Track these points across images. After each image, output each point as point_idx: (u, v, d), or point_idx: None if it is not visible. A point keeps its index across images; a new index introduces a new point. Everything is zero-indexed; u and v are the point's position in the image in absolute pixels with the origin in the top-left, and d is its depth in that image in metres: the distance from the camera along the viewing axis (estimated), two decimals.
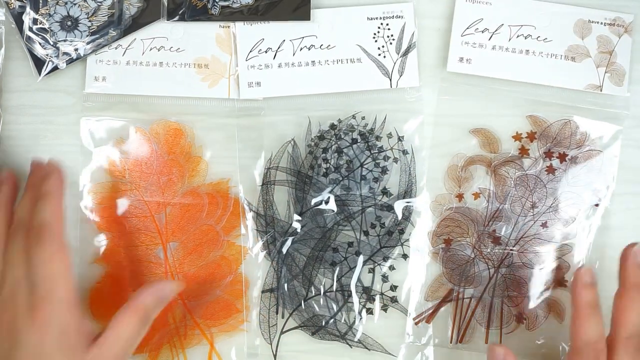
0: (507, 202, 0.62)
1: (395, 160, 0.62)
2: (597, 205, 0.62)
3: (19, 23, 0.59)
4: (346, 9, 0.63)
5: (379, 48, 0.62)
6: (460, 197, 0.62)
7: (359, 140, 0.62)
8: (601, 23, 0.61)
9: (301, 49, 0.62)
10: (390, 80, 0.62)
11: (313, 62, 0.62)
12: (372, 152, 0.62)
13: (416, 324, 0.62)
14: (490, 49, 0.62)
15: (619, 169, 0.62)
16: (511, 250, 0.61)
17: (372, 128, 0.62)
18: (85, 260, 0.60)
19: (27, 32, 0.59)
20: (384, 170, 0.62)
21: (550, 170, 0.62)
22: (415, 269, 0.62)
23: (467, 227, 0.62)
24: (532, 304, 0.61)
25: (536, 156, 0.62)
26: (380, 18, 0.62)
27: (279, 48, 0.62)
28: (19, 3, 0.59)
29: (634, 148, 0.63)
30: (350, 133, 0.62)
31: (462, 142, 0.63)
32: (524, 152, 0.62)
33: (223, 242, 0.62)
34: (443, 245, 0.62)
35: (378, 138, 0.62)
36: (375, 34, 0.62)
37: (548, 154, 0.62)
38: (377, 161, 0.62)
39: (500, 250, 0.62)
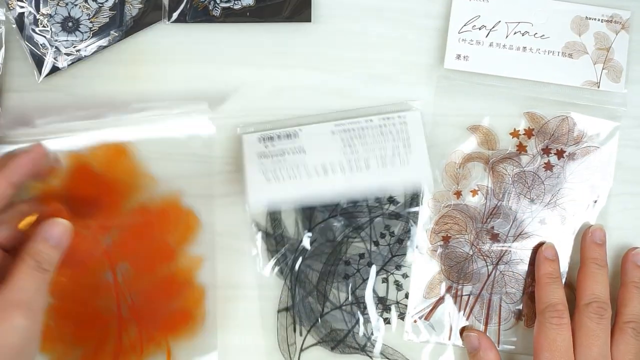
0: (505, 199, 0.62)
1: None
2: (595, 201, 0.62)
3: (20, 23, 0.60)
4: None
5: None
6: (458, 194, 0.62)
7: None
8: (598, 20, 0.61)
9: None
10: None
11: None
12: None
13: (415, 321, 0.62)
14: (487, 46, 0.62)
15: (617, 169, 0.62)
16: (509, 247, 0.62)
17: None
18: None
19: (28, 33, 0.60)
20: None
21: (548, 166, 0.62)
22: (415, 267, 0.62)
23: (465, 224, 0.62)
24: (531, 300, 0.61)
25: (534, 153, 0.62)
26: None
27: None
28: (19, 3, 0.60)
29: (632, 148, 0.63)
30: None
31: (460, 139, 0.63)
32: (521, 148, 0.62)
33: (176, 254, 0.60)
34: (441, 242, 0.62)
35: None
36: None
37: (546, 151, 0.62)
38: None
39: (499, 247, 0.62)
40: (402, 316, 0.62)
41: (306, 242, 0.62)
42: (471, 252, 0.62)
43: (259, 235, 0.62)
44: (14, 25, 0.60)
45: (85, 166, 0.59)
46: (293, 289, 0.62)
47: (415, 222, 0.62)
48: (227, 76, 0.62)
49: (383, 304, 0.62)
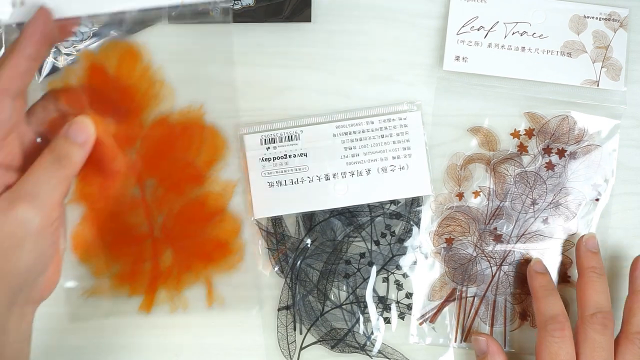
0: (507, 199, 0.62)
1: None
2: (597, 199, 0.62)
3: (20, 23, 0.59)
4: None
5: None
6: (460, 196, 0.62)
7: None
8: (596, 18, 0.62)
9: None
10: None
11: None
12: None
13: (420, 324, 0.61)
14: (486, 46, 0.62)
15: (618, 169, 0.62)
16: (513, 247, 0.61)
17: None
18: None
19: None
20: None
21: (550, 166, 0.62)
22: (419, 269, 0.62)
23: (468, 225, 0.62)
24: None
25: (535, 153, 0.62)
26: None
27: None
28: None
29: (633, 148, 0.63)
30: None
31: (461, 141, 0.63)
32: (522, 149, 0.62)
33: (205, 178, 0.58)
34: (445, 244, 0.62)
35: None
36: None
37: (547, 150, 0.62)
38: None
39: (502, 248, 0.61)
40: (402, 316, 0.62)
41: (307, 241, 0.62)
42: (475, 254, 0.61)
43: (260, 233, 0.62)
44: (14, 25, 0.60)
45: (98, 66, 0.56)
46: (293, 287, 0.62)
47: (417, 223, 0.62)
48: (227, 76, 0.62)
49: (383, 303, 0.62)
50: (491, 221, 0.62)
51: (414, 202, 0.62)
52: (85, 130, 0.50)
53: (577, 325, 0.56)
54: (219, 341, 0.62)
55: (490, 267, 0.61)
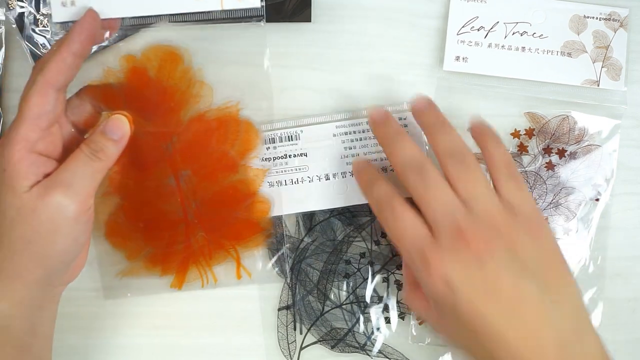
0: None
1: None
2: (597, 199, 0.61)
3: (20, 23, 0.60)
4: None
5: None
6: None
7: None
8: (596, 18, 0.62)
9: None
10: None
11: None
12: None
13: (420, 323, 0.62)
14: (486, 46, 0.62)
15: (618, 169, 0.62)
16: None
17: None
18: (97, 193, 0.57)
19: (28, 33, 0.60)
20: None
21: (550, 166, 0.62)
22: None
23: None
24: None
25: (535, 153, 0.62)
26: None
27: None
28: (19, 3, 0.60)
29: (633, 148, 0.63)
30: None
31: None
32: (522, 149, 0.62)
33: (239, 166, 0.61)
34: None
35: None
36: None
37: (547, 150, 0.62)
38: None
39: None
40: (402, 315, 0.62)
41: (307, 241, 0.62)
42: None
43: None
44: (14, 25, 0.60)
45: (140, 69, 0.59)
46: (293, 287, 0.62)
47: None
48: (227, 76, 0.62)
49: (383, 303, 0.62)
50: None
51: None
52: (122, 127, 0.53)
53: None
54: (218, 341, 0.63)
55: None
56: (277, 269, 0.62)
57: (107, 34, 0.57)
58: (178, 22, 0.58)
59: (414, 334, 0.61)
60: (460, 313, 0.47)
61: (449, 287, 0.47)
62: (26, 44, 0.60)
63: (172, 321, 0.62)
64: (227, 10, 0.58)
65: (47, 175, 0.49)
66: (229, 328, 0.63)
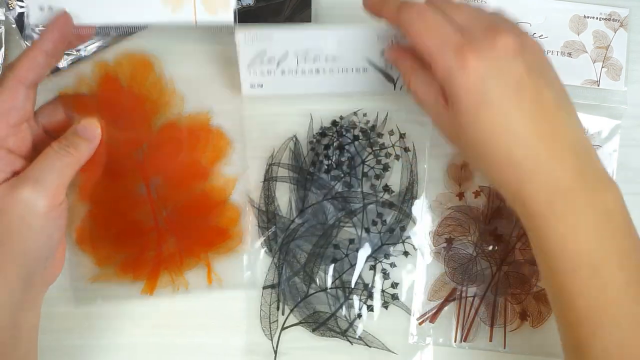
0: None
1: (397, 157, 0.62)
2: None
3: (20, 23, 0.60)
4: (354, 31, 0.58)
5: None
6: (461, 195, 0.62)
7: (360, 137, 0.62)
8: (596, 18, 0.62)
9: (305, 60, 0.61)
10: (395, 85, 0.61)
11: (317, 70, 0.61)
12: (373, 149, 0.62)
13: (420, 323, 0.62)
14: None
15: (618, 169, 0.62)
16: (513, 247, 0.61)
17: (374, 125, 0.63)
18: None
19: (28, 32, 0.60)
20: (386, 168, 0.62)
21: None
22: (416, 268, 0.62)
23: (469, 225, 0.62)
24: (536, 300, 0.61)
25: None
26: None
27: (282, 57, 0.61)
28: (19, 3, 0.60)
29: (633, 148, 0.63)
30: (352, 130, 0.62)
31: None
32: None
33: (209, 174, 0.61)
34: (445, 244, 0.62)
35: (380, 135, 0.62)
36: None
37: None
38: (379, 158, 0.62)
39: (502, 248, 0.61)
40: (385, 305, 0.62)
41: (298, 222, 0.62)
42: (475, 254, 0.61)
43: (252, 210, 0.62)
44: (14, 25, 0.60)
45: (112, 76, 0.60)
46: (280, 267, 0.62)
47: (409, 214, 0.62)
48: (228, 76, 0.62)
49: (368, 291, 0.62)
50: (491, 221, 0.62)
51: (408, 193, 0.62)
52: (93, 129, 0.53)
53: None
54: (215, 341, 0.62)
55: (490, 267, 0.61)
56: (265, 247, 0.62)
57: (82, 43, 0.58)
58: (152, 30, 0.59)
59: (414, 334, 0.61)
60: (484, 108, 0.47)
61: (482, 82, 0.47)
62: (26, 44, 0.60)
63: (169, 320, 0.62)
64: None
65: (16, 174, 0.50)
66: (227, 328, 0.62)
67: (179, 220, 0.60)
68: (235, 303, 0.62)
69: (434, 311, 0.62)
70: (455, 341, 0.61)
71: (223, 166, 0.62)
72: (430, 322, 0.61)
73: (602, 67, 0.61)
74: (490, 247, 0.61)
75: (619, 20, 0.62)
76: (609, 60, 0.62)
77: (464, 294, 0.61)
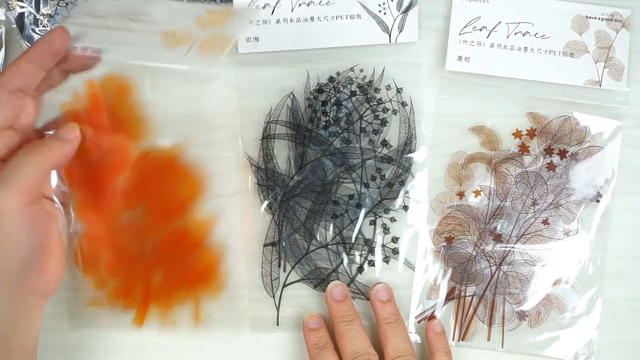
0: (508, 199, 0.62)
1: (395, 112, 0.62)
2: (598, 201, 0.61)
3: (20, 23, 0.60)
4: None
5: (379, 5, 0.62)
6: (461, 195, 0.62)
7: (357, 93, 0.62)
8: (599, 18, 0.61)
9: (300, 5, 0.61)
10: (390, 35, 0.61)
11: (312, 18, 0.61)
12: (371, 104, 0.62)
13: (418, 322, 0.62)
14: (488, 46, 0.62)
15: (619, 169, 0.62)
16: (512, 247, 0.61)
17: (371, 80, 0.62)
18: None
19: (28, 33, 0.60)
20: (384, 122, 0.62)
21: (551, 166, 0.61)
22: (415, 222, 0.62)
23: (469, 225, 0.62)
24: (534, 301, 0.61)
25: (536, 153, 0.62)
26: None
27: (277, 4, 0.62)
28: (19, 3, 0.60)
29: (634, 148, 0.63)
30: (349, 85, 0.62)
31: (462, 140, 0.63)
32: (524, 149, 0.62)
33: (186, 211, 0.61)
34: (444, 243, 0.62)
35: (377, 90, 0.62)
36: None
37: (548, 151, 0.62)
38: (377, 113, 0.62)
39: (502, 248, 0.61)
40: (386, 259, 0.62)
41: (297, 179, 0.62)
42: (474, 253, 0.62)
43: (251, 169, 0.62)
44: (14, 25, 0.60)
45: (97, 96, 0.58)
46: (280, 224, 0.62)
47: (408, 168, 0.62)
48: (228, 77, 0.62)
49: (369, 246, 0.62)
50: (491, 221, 0.62)
51: (406, 147, 0.62)
52: (72, 131, 0.53)
53: None
54: (215, 342, 0.63)
55: (490, 266, 0.61)
56: (265, 205, 0.62)
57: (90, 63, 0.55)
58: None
59: (413, 332, 0.62)
60: None
61: None
62: (26, 44, 0.60)
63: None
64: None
65: None
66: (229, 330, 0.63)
67: (164, 252, 0.60)
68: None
69: (432, 310, 0.62)
70: (453, 340, 0.61)
71: (199, 205, 0.61)
72: (429, 320, 0.62)
73: (604, 68, 0.61)
74: (490, 247, 0.61)
75: (621, 21, 0.61)
76: (610, 60, 0.61)
77: (462, 293, 0.62)
